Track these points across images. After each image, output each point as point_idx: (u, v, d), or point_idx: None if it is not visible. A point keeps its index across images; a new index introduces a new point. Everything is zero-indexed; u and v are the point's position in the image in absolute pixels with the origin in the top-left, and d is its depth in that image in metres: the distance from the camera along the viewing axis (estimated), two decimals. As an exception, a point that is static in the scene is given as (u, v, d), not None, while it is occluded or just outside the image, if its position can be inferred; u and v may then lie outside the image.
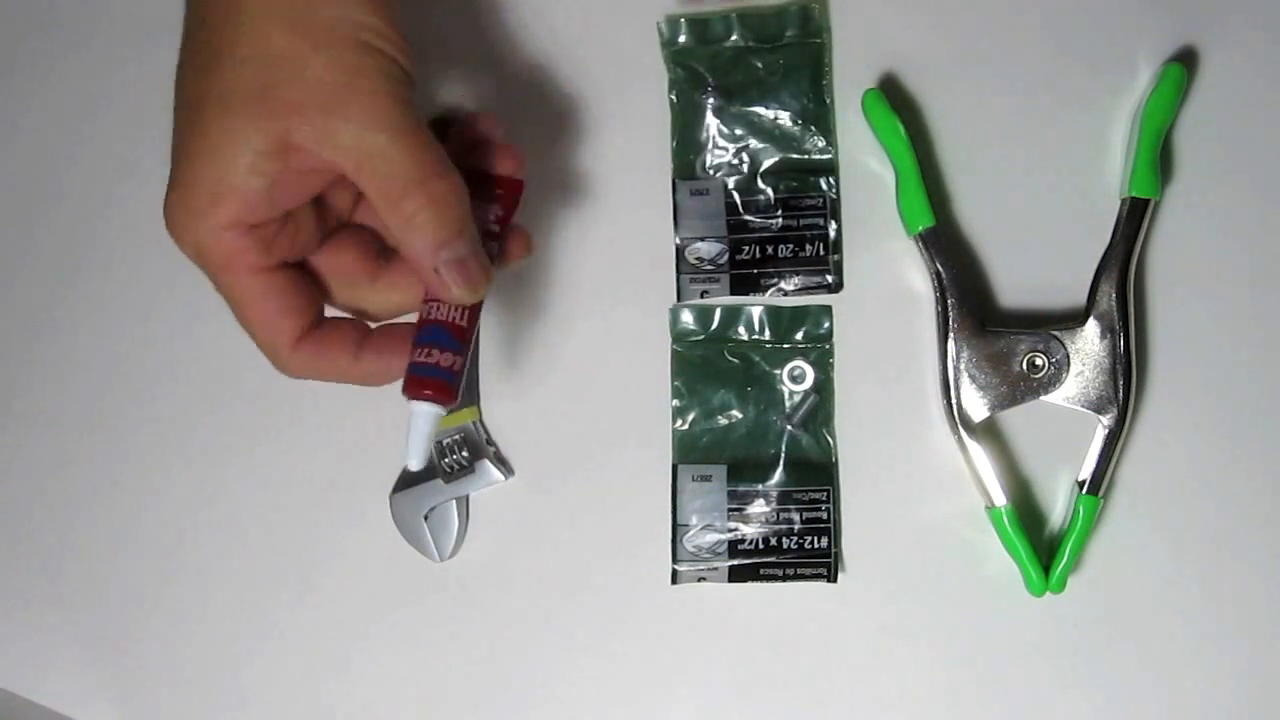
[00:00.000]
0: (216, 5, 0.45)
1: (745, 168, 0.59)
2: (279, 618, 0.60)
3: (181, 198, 0.44)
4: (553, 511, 0.59)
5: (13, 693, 0.61)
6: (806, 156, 0.59)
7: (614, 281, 0.59)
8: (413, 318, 0.49)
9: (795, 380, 0.58)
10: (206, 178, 0.44)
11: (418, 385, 0.47)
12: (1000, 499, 0.55)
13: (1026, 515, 0.56)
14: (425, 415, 0.47)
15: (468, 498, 0.59)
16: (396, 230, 0.45)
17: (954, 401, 0.56)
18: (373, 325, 0.49)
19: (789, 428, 0.58)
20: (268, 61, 0.43)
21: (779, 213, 0.58)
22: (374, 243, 0.50)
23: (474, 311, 0.48)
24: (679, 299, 0.59)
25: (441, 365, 0.47)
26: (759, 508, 0.57)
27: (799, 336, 0.58)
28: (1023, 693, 0.57)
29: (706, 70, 0.59)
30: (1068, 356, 0.56)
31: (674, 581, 0.58)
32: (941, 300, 0.56)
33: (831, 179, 0.58)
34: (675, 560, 0.58)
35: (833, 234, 0.58)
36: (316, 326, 0.47)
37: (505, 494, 0.59)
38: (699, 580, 0.58)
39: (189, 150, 0.44)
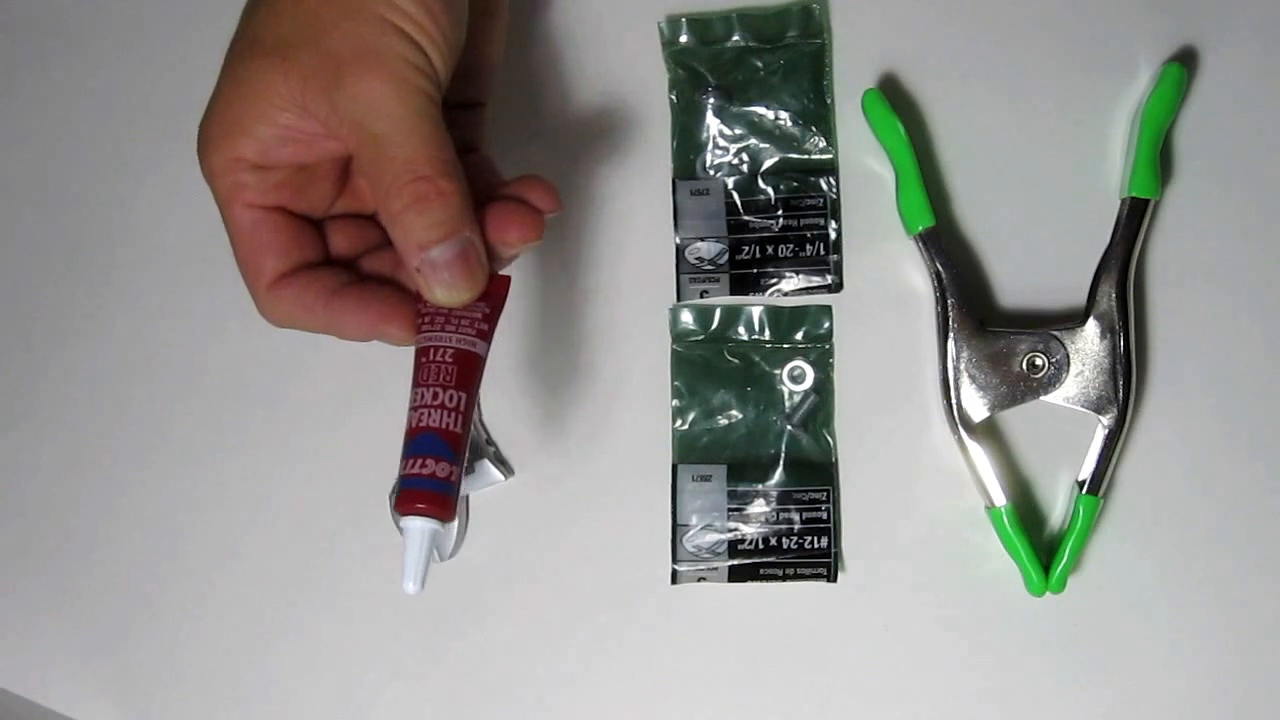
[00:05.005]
0: None
1: (745, 168, 0.59)
2: (279, 618, 0.60)
3: (205, 127, 0.45)
4: (553, 511, 0.59)
5: (13, 693, 0.61)
6: (807, 156, 0.59)
7: (614, 281, 0.59)
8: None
9: (795, 380, 0.58)
10: (225, 115, 0.45)
11: (411, 499, 0.43)
12: (1000, 499, 0.55)
13: (1026, 515, 0.56)
14: (419, 532, 0.43)
15: (468, 498, 0.59)
16: (383, 220, 0.44)
17: (954, 401, 0.56)
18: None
19: (789, 428, 0.58)
20: (295, 21, 0.43)
21: (779, 213, 0.58)
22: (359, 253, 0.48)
23: (467, 416, 0.44)
24: (679, 299, 0.59)
25: (436, 476, 0.43)
26: (759, 508, 0.57)
27: (799, 336, 0.58)
28: (1023, 692, 0.57)
29: (707, 70, 0.59)
30: (1068, 356, 0.56)
31: (674, 581, 0.58)
32: (941, 300, 0.56)
33: (831, 179, 0.58)
34: (675, 560, 0.58)
35: (833, 234, 0.58)
36: (298, 271, 0.46)
37: (505, 494, 0.59)
38: (699, 580, 0.58)
39: (221, 85, 0.45)
